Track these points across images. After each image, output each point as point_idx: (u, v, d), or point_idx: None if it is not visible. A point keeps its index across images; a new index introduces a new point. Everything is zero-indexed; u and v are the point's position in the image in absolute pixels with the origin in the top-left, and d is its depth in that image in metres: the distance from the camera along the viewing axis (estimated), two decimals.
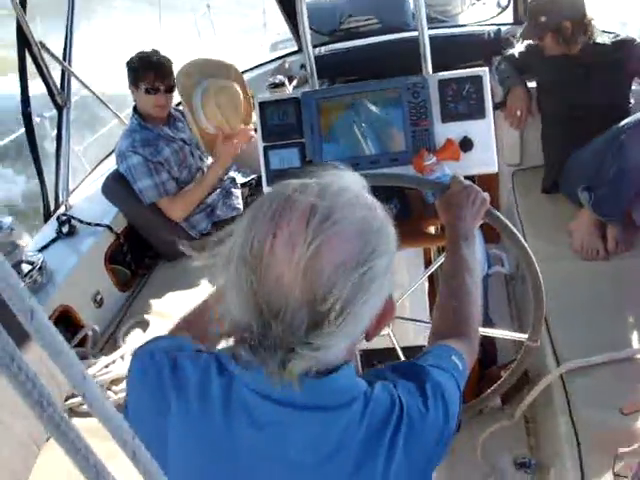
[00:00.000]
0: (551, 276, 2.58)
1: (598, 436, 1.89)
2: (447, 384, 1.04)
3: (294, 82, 3.84)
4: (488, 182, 3.43)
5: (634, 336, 2.21)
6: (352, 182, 0.96)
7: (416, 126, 2.03)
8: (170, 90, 3.08)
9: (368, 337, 0.98)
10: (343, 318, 0.84)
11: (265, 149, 2.13)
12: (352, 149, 2.06)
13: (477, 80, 2.05)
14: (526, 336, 1.73)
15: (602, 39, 2.97)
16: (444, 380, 1.05)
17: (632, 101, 2.98)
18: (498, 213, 1.62)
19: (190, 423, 0.97)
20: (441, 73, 2.08)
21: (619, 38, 2.97)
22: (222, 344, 1.32)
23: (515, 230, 1.60)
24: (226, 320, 0.92)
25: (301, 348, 0.84)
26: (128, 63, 3.04)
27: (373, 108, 2.05)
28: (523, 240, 1.62)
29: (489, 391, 1.96)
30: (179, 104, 3.70)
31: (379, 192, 1.99)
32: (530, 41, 3.28)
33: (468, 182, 1.63)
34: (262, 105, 2.13)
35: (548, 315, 2.42)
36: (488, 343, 2.79)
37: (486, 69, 2.06)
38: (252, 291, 0.85)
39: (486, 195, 1.60)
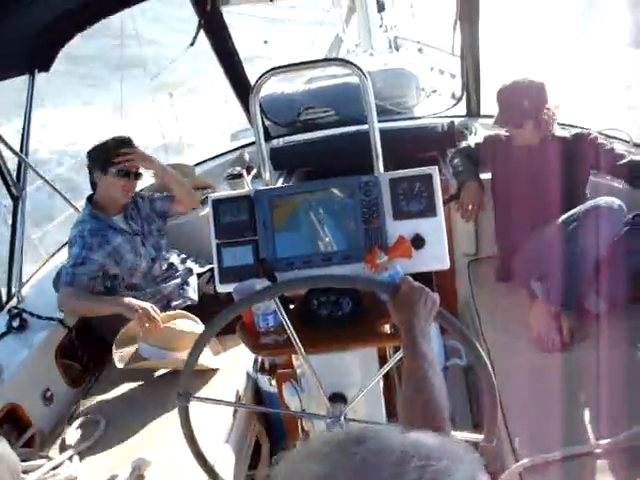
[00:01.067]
0: (508, 369, 2.61)
1: None
2: None
3: (253, 172, 3.87)
4: (444, 273, 3.45)
5: (592, 430, 2.20)
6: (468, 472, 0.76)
7: (369, 224, 2.04)
8: (138, 176, 3.12)
9: None
10: None
11: (218, 246, 2.12)
12: (305, 247, 2.06)
13: (427, 179, 2.09)
14: (481, 437, 1.70)
15: (561, 132, 3.07)
16: None
17: (588, 192, 3.05)
18: (448, 314, 1.62)
19: None
20: (392, 172, 2.12)
21: (577, 131, 3.07)
22: None
23: (466, 331, 1.60)
24: None
25: None
26: (98, 147, 3.06)
27: (326, 206, 2.07)
28: (475, 342, 1.62)
29: None
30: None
31: (331, 291, 2.00)
32: (488, 132, 3.39)
33: (417, 283, 1.64)
34: (215, 203, 2.14)
35: (506, 409, 2.41)
36: None
37: (436, 168, 2.11)
38: None
39: (436, 296, 1.61)
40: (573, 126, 3.31)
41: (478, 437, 1.70)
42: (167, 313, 2.93)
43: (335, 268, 2.03)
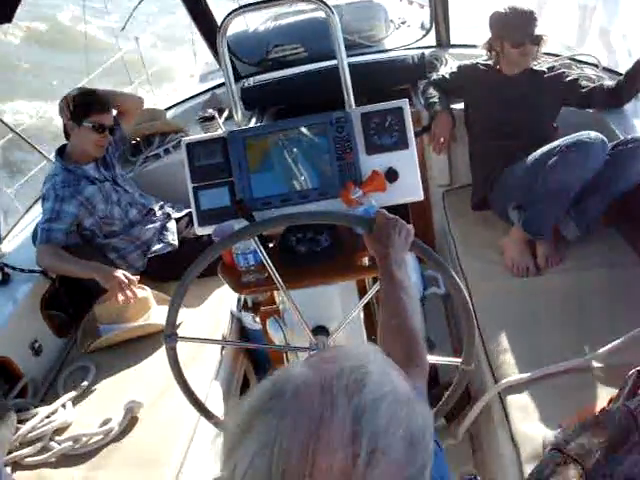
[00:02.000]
0: (485, 295, 2.68)
1: (538, 450, 1.94)
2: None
3: (225, 114, 3.84)
4: (420, 204, 3.49)
5: (567, 349, 2.27)
6: (379, 371, 0.81)
7: (342, 160, 2.07)
8: (112, 131, 3.12)
9: None
10: None
11: (194, 189, 2.14)
12: (281, 185, 2.09)
13: (398, 112, 2.10)
14: (460, 360, 1.76)
15: (539, 66, 3.12)
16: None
17: (555, 124, 3.11)
18: (422, 244, 1.66)
19: None
20: (363, 107, 2.13)
21: (554, 69, 3.11)
22: None
23: (441, 259, 1.64)
24: None
25: None
26: (73, 97, 3.01)
27: (299, 144, 2.09)
28: (450, 268, 1.67)
29: (434, 410, 1.98)
30: None
31: (310, 228, 2.03)
32: (461, 62, 3.39)
33: (392, 215, 1.67)
34: (188, 146, 2.15)
35: (483, 333, 2.48)
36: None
37: (406, 100, 2.12)
38: None
39: (410, 227, 1.64)
40: (547, 54, 3.32)
41: (457, 360, 1.76)
42: None
43: (311, 205, 2.06)
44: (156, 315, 2.89)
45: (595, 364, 2.20)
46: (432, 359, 1.98)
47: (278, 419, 0.74)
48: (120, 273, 2.79)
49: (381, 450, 0.73)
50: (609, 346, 2.20)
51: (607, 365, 2.18)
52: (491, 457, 2.31)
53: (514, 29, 2.95)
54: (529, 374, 2.22)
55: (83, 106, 3.00)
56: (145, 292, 2.91)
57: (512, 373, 2.26)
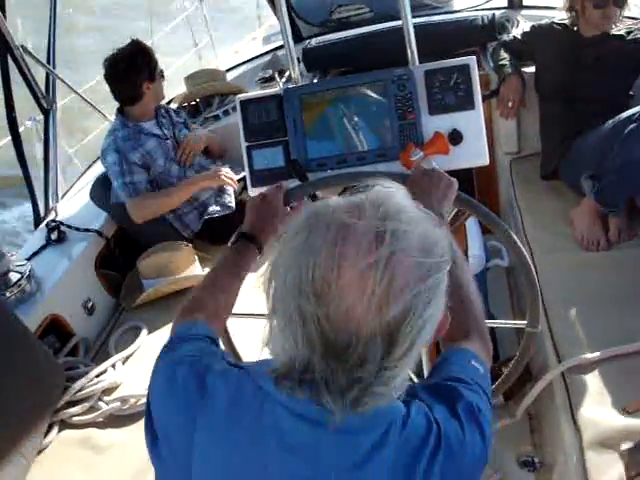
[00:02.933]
0: (552, 268, 2.55)
1: (601, 435, 1.84)
2: (480, 404, 1.02)
3: (286, 75, 3.76)
4: (486, 173, 3.37)
5: (637, 330, 2.13)
6: (401, 196, 0.92)
7: (403, 120, 1.95)
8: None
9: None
10: (413, 346, 0.84)
11: (248, 149, 2.06)
12: (337, 146, 1.99)
13: (465, 70, 1.97)
14: (525, 322, 1.66)
15: (617, 30, 2.93)
16: (476, 400, 1.02)
17: (632, 92, 2.94)
18: (467, 196, 1.55)
19: (218, 443, 0.94)
20: (427, 64, 2.01)
21: (633, 34, 2.91)
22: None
23: (488, 211, 1.54)
24: (274, 356, 0.89)
25: (373, 383, 0.82)
26: (137, 57, 2.97)
27: (358, 103, 1.98)
28: (499, 219, 1.58)
29: (492, 387, 1.89)
30: (168, 103, 3.68)
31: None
32: (535, 22, 3.21)
33: (430, 168, 1.57)
34: (243, 104, 2.06)
35: (548, 309, 2.36)
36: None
37: (474, 58, 1.99)
38: (317, 327, 0.81)
39: (453, 180, 1.52)
40: (626, 17, 3.11)
41: (522, 323, 1.67)
42: (160, 244, 2.94)
43: (369, 167, 1.95)
44: (199, 269, 2.91)
45: None
46: (494, 323, 1.90)
47: (308, 233, 0.84)
48: (221, 169, 3.03)
49: (400, 243, 0.82)
50: None
51: None
52: (551, 439, 2.20)
53: None
54: (595, 354, 2.09)
55: (152, 60, 3.00)
56: (188, 247, 2.92)
57: (577, 353, 2.13)
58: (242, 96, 2.11)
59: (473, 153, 1.96)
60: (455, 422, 0.96)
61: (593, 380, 2.03)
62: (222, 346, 1.51)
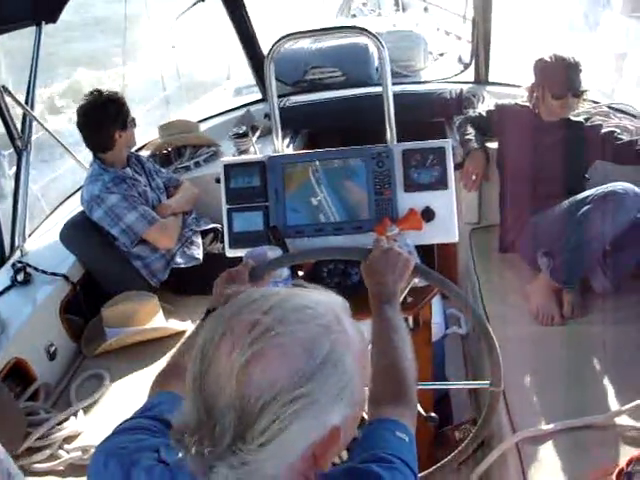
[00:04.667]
0: (507, 340, 2.62)
1: None
2: None
3: (258, 132, 3.85)
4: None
5: (590, 403, 2.23)
6: (319, 302, 0.95)
7: (380, 195, 2.06)
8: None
9: (317, 464, 0.93)
10: (268, 436, 0.83)
11: (229, 211, 2.13)
12: (316, 215, 2.08)
13: (441, 151, 2.09)
14: (487, 382, 1.74)
15: (576, 116, 3.10)
16: None
17: (587, 176, 3.09)
18: (424, 266, 1.65)
19: None
20: (405, 143, 2.13)
21: (591, 120, 3.10)
22: None
23: (445, 279, 1.62)
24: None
25: (224, 458, 0.84)
26: (109, 107, 3.00)
27: (338, 175, 2.08)
28: (455, 286, 1.65)
29: (451, 456, 1.95)
30: (139, 149, 3.73)
31: (342, 260, 2.01)
32: (499, 100, 3.38)
33: (389, 245, 1.64)
34: (227, 168, 2.14)
35: (503, 380, 2.44)
36: (443, 404, 2.81)
37: (449, 141, 2.11)
38: (197, 383, 0.88)
39: (408, 257, 1.61)
40: (591, 101, 3.30)
41: (485, 383, 1.74)
42: (125, 294, 2.95)
43: (345, 238, 2.05)
44: (162, 321, 2.92)
45: (619, 421, 2.14)
46: (458, 384, 1.98)
47: (218, 314, 0.94)
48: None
49: (275, 332, 0.86)
50: (634, 404, 2.15)
51: (630, 424, 2.13)
52: None
53: (557, 81, 2.94)
54: (549, 426, 2.16)
55: (125, 110, 3.05)
56: (153, 298, 2.93)
57: (531, 424, 2.21)
58: (226, 160, 2.19)
59: (443, 230, 2.08)
60: None
61: (546, 451, 2.10)
62: None
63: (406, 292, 1.74)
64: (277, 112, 2.23)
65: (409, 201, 2.07)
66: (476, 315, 1.62)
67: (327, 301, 0.97)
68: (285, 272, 1.86)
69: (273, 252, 1.87)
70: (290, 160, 2.11)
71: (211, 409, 0.85)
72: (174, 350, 1.55)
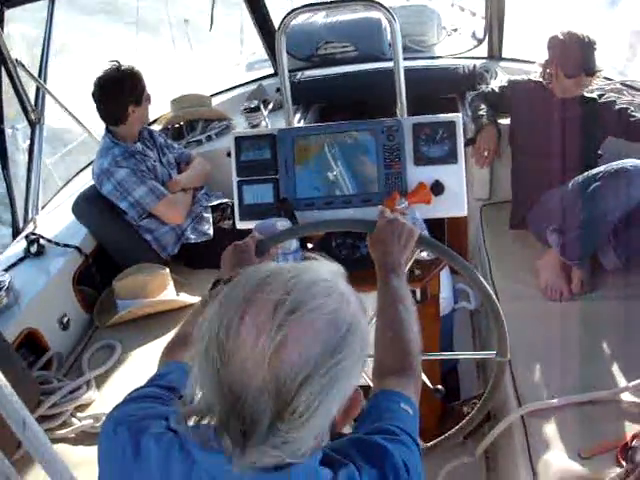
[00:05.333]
0: (516, 315, 2.62)
1: (556, 477, 1.92)
2: (409, 460, 1.06)
3: (269, 106, 3.85)
4: (456, 217, 3.48)
5: (596, 379, 2.24)
6: (328, 273, 0.96)
7: (389, 168, 2.06)
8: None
9: (335, 428, 0.97)
10: (309, 411, 0.85)
11: (239, 184, 2.15)
12: (325, 188, 2.09)
13: (451, 125, 2.09)
14: (494, 352, 1.75)
15: (590, 92, 3.07)
16: (405, 456, 1.06)
17: (600, 152, 3.08)
18: (430, 238, 1.66)
19: None
20: (415, 117, 2.13)
21: (605, 97, 3.07)
22: None
23: (450, 250, 1.63)
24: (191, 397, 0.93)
25: (264, 441, 0.84)
26: (124, 81, 3.01)
27: (348, 149, 2.08)
28: (461, 258, 1.66)
29: (457, 427, 1.97)
30: (152, 123, 3.74)
31: (351, 233, 2.03)
32: (512, 76, 3.37)
33: (393, 216, 1.65)
34: (237, 140, 2.15)
35: (511, 354, 2.45)
36: (451, 379, 2.83)
37: (460, 115, 2.11)
38: (216, 372, 0.87)
39: (413, 228, 1.63)
40: (604, 78, 3.27)
41: (491, 353, 1.75)
42: (137, 266, 2.97)
43: (354, 210, 2.06)
44: (173, 294, 2.95)
45: (624, 397, 2.16)
46: (464, 354, 1.99)
47: (228, 292, 0.92)
48: None
49: (301, 312, 0.86)
50: (638, 381, 2.17)
51: (635, 400, 2.14)
52: None
53: (570, 59, 2.92)
54: (555, 400, 2.18)
55: (140, 85, 3.05)
56: (164, 271, 2.96)
57: (537, 398, 2.23)
58: (236, 132, 2.20)
59: (452, 204, 2.08)
60: None
61: (551, 425, 2.12)
62: None
63: (411, 262, 1.74)
64: (288, 86, 2.23)
65: (419, 175, 2.07)
66: (481, 285, 1.63)
67: (332, 270, 0.99)
68: (294, 244, 1.88)
69: (282, 224, 1.88)
70: (300, 133, 2.12)
71: (240, 395, 0.85)
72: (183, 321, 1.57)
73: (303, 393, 0.84)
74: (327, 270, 0.98)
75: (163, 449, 1.00)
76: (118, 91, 3.01)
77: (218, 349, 0.87)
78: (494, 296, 1.64)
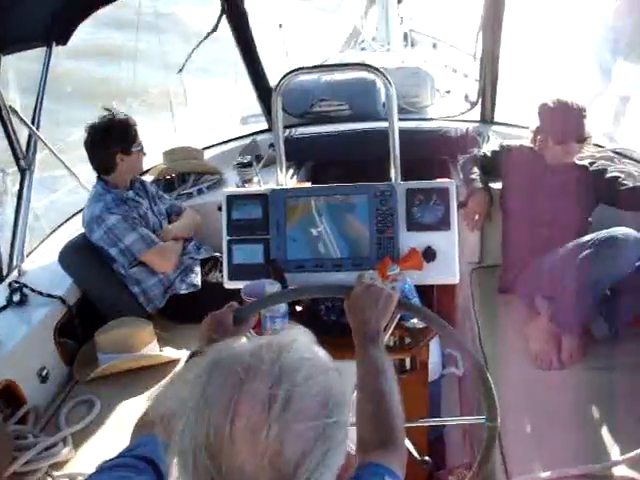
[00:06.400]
0: (504, 383, 2.60)
1: None
2: None
3: (262, 162, 3.86)
4: None
5: (585, 451, 2.19)
6: (306, 347, 0.96)
7: (381, 233, 2.05)
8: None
9: None
10: None
11: (229, 243, 2.12)
12: (316, 250, 2.07)
13: (444, 192, 2.09)
14: (484, 417, 1.70)
15: (581, 160, 3.10)
16: None
17: (591, 219, 3.08)
18: (410, 302, 1.63)
19: None
20: (409, 182, 2.13)
21: (596, 165, 3.08)
22: None
23: (431, 312, 1.60)
24: None
25: None
26: (115, 129, 3.03)
27: (340, 212, 2.07)
28: (442, 320, 1.61)
29: None
30: (144, 173, 3.73)
31: (340, 300, 1.99)
32: (505, 141, 3.39)
33: (370, 281, 1.61)
34: (229, 199, 2.14)
35: (500, 426, 2.41)
36: (438, 447, 2.77)
37: (454, 181, 2.11)
38: None
39: (392, 293, 1.59)
40: (595, 145, 3.31)
41: (481, 418, 1.70)
42: (120, 319, 2.93)
43: (346, 274, 2.03)
44: (157, 349, 2.89)
45: (617, 471, 2.11)
46: (453, 419, 1.94)
47: (205, 384, 0.88)
48: None
49: (293, 404, 0.85)
50: (631, 454, 2.12)
51: (626, 474, 2.09)
52: None
53: (560, 127, 2.95)
54: (545, 474, 2.13)
55: (131, 133, 3.05)
56: (148, 325, 2.91)
57: (526, 470, 2.18)
58: (228, 191, 2.19)
59: (444, 271, 2.07)
60: None
61: None
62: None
63: (391, 330, 1.71)
64: (282, 145, 2.24)
65: (411, 240, 2.06)
66: (466, 348, 1.59)
67: (309, 340, 1.00)
68: (283, 308, 1.85)
69: (271, 286, 1.86)
70: (293, 194, 2.11)
71: None
72: (154, 393, 1.52)
73: (302, 475, 0.85)
74: (304, 343, 0.97)
75: None
76: (107, 140, 3.02)
77: (211, 457, 0.84)
78: (481, 361, 1.60)
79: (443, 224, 2.07)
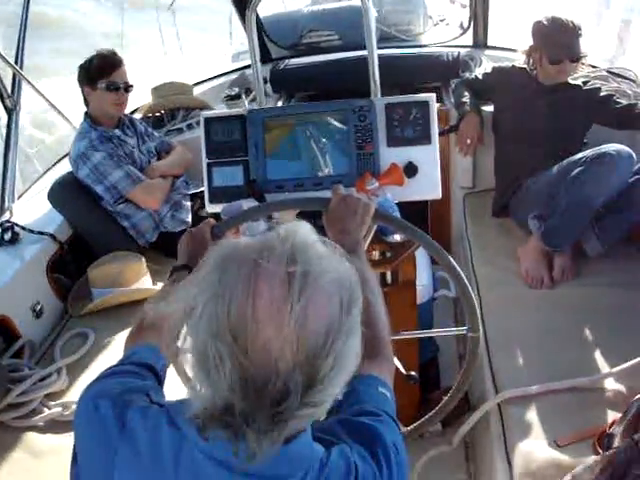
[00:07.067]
0: (495, 303, 2.62)
1: (532, 466, 1.88)
2: (396, 441, 1.07)
3: (251, 95, 3.80)
4: (440, 205, 3.44)
5: (576, 366, 2.20)
6: (309, 232, 0.95)
7: (361, 149, 2.02)
8: (128, 89, 3.08)
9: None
10: (337, 368, 0.86)
11: (209, 165, 2.10)
12: (296, 170, 2.04)
13: (424, 106, 2.05)
14: (465, 328, 1.71)
15: (574, 79, 3.03)
16: (393, 437, 1.07)
17: (586, 140, 3.03)
18: (385, 212, 1.61)
19: (142, 475, 0.95)
20: (388, 97, 2.08)
21: (590, 84, 3.03)
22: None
23: (408, 224, 1.59)
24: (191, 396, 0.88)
25: (294, 418, 0.83)
26: (86, 62, 3.01)
27: (319, 130, 2.04)
28: (422, 232, 1.61)
29: (432, 412, 1.93)
30: (133, 112, 3.69)
31: (319, 216, 1.98)
32: (497, 64, 3.32)
33: (347, 191, 1.60)
34: (207, 121, 2.11)
35: (490, 341, 2.42)
36: (431, 366, 2.79)
37: (433, 95, 2.07)
38: (236, 364, 0.82)
39: (368, 202, 1.58)
40: (589, 65, 3.23)
41: (462, 329, 1.72)
42: (112, 254, 2.93)
43: (326, 192, 2.00)
44: (149, 283, 2.91)
45: (602, 385, 2.12)
46: (437, 331, 1.95)
47: (221, 273, 0.86)
48: None
49: (312, 278, 0.85)
50: (618, 368, 2.12)
51: (614, 387, 2.10)
52: (485, 469, 2.25)
53: (554, 45, 2.88)
54: (532, 388, 2.14)
55: (96, 69, 3.00)
56: (140, 259, 2.92)
57: (515, 385, 2.19)
58: (206, 113, 2.15)
59: (427, 186, 2.04)
60: (372, 464, 1.00)
61: (528, 413, 2.08)
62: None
63: (369, 240, 1.69)
64: (259, 64, 2.19)
65: (392, 156, 2.02)
66: (443, 256, 1.57)
67: (310, 229, 0.97)
68: (262, 226, 1.83)
69: (249, 207, 1.84)
70: (271, 114, 2.07)
71: (269, 379, 0.82)
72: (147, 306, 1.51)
73: (329, 357, 0.84)
74: (308, 229, 0.96)
75: (150, 423, 0.97)
76: (79, 72, 3.04)
77: (234, 337, 0.82)
78: (460, 270, 1.59)
79: (424, 138, 2.03)
